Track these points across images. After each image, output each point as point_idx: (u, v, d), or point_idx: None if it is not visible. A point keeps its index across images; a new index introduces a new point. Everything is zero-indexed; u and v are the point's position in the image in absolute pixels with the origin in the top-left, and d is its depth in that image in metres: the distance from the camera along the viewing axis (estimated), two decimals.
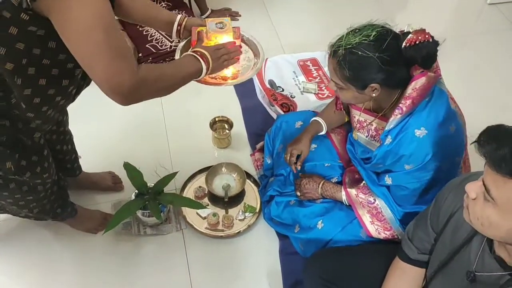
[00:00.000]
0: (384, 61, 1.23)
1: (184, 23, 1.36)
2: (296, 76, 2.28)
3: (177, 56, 1.35)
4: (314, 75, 2.28)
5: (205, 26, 1.35)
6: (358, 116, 1.50)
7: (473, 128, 2.02)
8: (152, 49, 2.28)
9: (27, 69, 1.04)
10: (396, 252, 1.25)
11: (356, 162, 1.57)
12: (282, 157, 1.77)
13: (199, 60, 1.22)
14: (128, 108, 2.29)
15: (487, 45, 2.57)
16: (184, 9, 2.47)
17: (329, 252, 1.48)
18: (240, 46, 1.37)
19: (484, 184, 0.86)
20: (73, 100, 1.27)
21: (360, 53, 1.23)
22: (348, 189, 1.55)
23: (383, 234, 1.47)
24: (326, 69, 2.29)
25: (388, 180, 1.41)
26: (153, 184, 1.74)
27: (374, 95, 1.30)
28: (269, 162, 1.88)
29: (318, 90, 2.20)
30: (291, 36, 2.57)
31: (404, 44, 1.23)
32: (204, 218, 1.80)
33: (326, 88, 2.21)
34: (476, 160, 1.02)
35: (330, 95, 2.18)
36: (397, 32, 1.28)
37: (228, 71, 1.37)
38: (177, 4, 2.47)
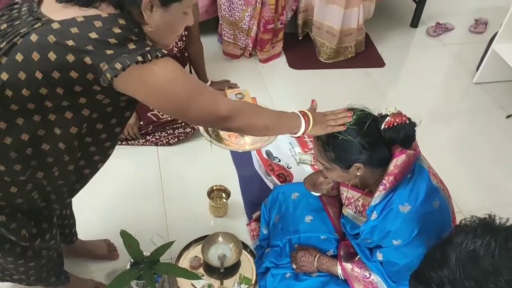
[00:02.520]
0: (365, 144, 1.32)
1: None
2: (292, 147, 2.34)
3: (201, 128, 1.50)
4: (310, 146, 2.35)
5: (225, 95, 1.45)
6: (346, 192, 1.56)
7: (462, 203, 2.10)
8: (153, 118, 2.34)
9: (83, 130, 1.12)
10: None
11: (349, 236, 1.59)
12: (278, 228, 1.78)
13: (300, 117, 1.28)
14: (125, 173, 2.33)
15: (473, 123, 2.68)
16: None
17: None
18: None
19: None
20: (103, 163, 1.32)
21: (341, 137, 1.32)
22: (344, 263, 1.56)
23: None
24: None
25: (379, 256, 1.44)
26: (149, 253, 1.73)
27: (358, 173, 1.37)
28: (265, 232, 1.89)
29: (313, 161, 2.26)
30: (287, 108, 2.67)
31: (383, 126, 1.32)
32: None
33: None
34: None
35: None
36: (376, 115, 1.38)
37: (247, 138, 1.45)
38: None
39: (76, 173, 1.22)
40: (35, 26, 0.97)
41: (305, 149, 2.33)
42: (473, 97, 2.87)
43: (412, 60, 3.19)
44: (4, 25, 1.02)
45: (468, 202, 2.14)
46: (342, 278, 1.57)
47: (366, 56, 3.10)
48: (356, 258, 1.54)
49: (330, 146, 1.34)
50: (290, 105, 2.70)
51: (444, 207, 1.41)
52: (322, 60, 3.03)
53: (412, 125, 1.34)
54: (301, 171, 2.19)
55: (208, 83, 2.68)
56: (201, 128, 1.56)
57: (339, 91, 2.87)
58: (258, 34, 2.87)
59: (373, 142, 1.33)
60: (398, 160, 1.33)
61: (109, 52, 0.94)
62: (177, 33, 1.13)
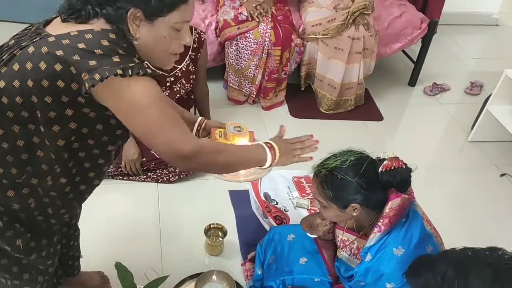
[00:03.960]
0: (362, 184, 1.36)
1: (204, 124, 1.50)
2: (290, 191, 2.39)
3: None
4: (307, 191, 2.39)
5: (223, 128, 1.48)
6: (341, 235, 1.59)
7: None
8: (156, 155, 2.40)
9: (73, 144, 1.14)
10: None
11: (343, 279, 1.60)
12: (272, 268, 1.79)
13: (265, 150, 1.30)
14: (124, 207, 2.34)
15: (468, 179, 2.73)
16: None
17: None
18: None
19: None
20: (100, 180, 1.33)
21: (339, 176, 1.36)
22: None
23: None
24: None
25: None
26: (142, 287, 1.73)
27: (355, 214, 1.41)
28: (259, 273, 1.89)
29: (310, 205, 2.29)
30: None
31: (380, 169, 1.37)
32: None
33: None
34: None
35: None
36: (374, 158, 1.43)
37: (243, 171, 1.46)
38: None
39: (72, 190, 1.24)
40: (34, 40, 1.06)
41: (303, 194, 2.37)
42: (468, 154, 2.94)
43: (410, 116, 3.30)
44: (12, 41, 1.12)
45: None
46: None
47: (365, 109, 3.21)
48: None
49: (328, 184, 1.39)
50: None
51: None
52: (323, 111, 3.13)
53: (408, 170, 1.40)
54: (297, 214, 2.22)
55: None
56: None
57: (337, 141, 2.88)
58: (262, 83, 2.99)
59: (370, 183, 1.38)
60: (394, 203, 1.38)
61: (92, 62, 0.99)
62: (170, 50, 1.16)
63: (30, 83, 1.04)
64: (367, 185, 1.37)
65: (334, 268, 1.70)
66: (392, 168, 1.37)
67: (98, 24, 1.07)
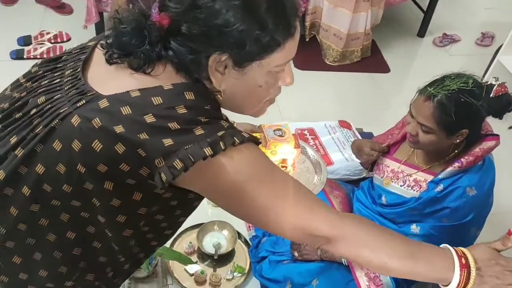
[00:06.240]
0: (488, 109, 1.30)
1: None
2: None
3: None
4: (311, 143, 2.35)
5: (257, 132, 1.25)
6: (396, 168, 1.54)
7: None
8: None
9: (142, 228, 0.89)
10: None
11: (375, 207, 1.57)
12: None
13: (453, 263, 0.81)
14: None
15: None
16: None
17: None
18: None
19: None
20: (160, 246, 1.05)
21: (463, 99, 1.26)
22: None
23: None
24: (322, 139, 2.37)
25: (415, 228, 1.42)
26: None
27: (457, 141, 1.35)
28: None
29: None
30: (290, 106, 2.68)
31: (492, 94, 1.29)
32: (192, 275, 1.77)
33: (322, 157, 2.28)
34: None
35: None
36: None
37: None
38: None
39: (133, 266, 1.01)
40: (78, 105, 0.75)
41: None
42: None
43: (418, 68, 3.20)
44: (42, 98, 0.80)
45: None
46: (345, 264, 1.54)
47: (371, 61, 3.12)
48: None
49: (452, 107, 1.26)
50: (295, 105, 2.73)
51: (489, 209, 1.43)
52: (328, 63, 3.04)
53: (511, 96, 1.33)
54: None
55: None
56: None
57: (343, 93, 2.89)
58: None
59: (489, 111, 1.30)
60: (487, 145, 1.35)
61: (167, 142, 0.71)
62: (267, 98, 0.87)
63: (81, 168, 0.75)
64: (487, 111, 1.29)
65: (349, 209, 1.68)
66: (501, 94, 1.30)
67: (166, 76, 0.76)
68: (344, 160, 2.26)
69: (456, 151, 1.40)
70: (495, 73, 2.82)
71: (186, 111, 0.72)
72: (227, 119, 0.81)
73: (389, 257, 0.81)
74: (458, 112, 1.27)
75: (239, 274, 1.79)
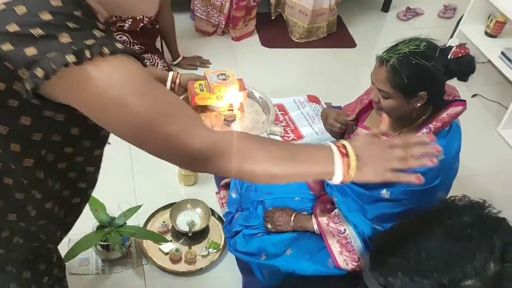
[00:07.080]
0: (437, 70, 1.28)
1: (178, 80, 1.22)
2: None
3: None
4: (280, 119, 2.36)
5: (202, 80, 1.24)
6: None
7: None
8: None
9: (47, 158, 0.84)
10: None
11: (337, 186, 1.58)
12: (252, 190, 1.78)
13: (333, 156, 0.82)
14: None
15: None
16: (156, 54, 2.55)
17: (294, 285, 1.47)
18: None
19: None
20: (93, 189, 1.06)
21: (414, 61, 1.27)
22: (319, 218, 1.57)
23: (351, 265, 1.48)
24: (292, 114, 2.38)
25: (385, 194, 1.43)
26: (116, 216, 1.71)
27: (418, 105, 1.34)
28: (234, 196, 1.88)
29: (284, 133, 2.27)
30: (258, 84, 2.67)
31: (450, 56, 1.29)
32: (167, 254, 1.76)
33: (292, 131, 2.29)
34: None
35: (296, 138, 2.26)
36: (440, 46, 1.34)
37: (236, 126, 1.27)
38: (150, 49, 2.54)
39: (63, 207, 0.95)
40: None
41: (276, 122, 2.34)
42: None
43: (383, 42, 3.16)
44: None
45: None
46: (318, 232, 1.56)
47: (338, 37, 3.14)
48: (332, 213, 1.54)
49: (401, 70, 1.28)
50: (263, 83, 2.73)
51: (455, 175, 1.44)
52: (295, 40, 3.04)
53: (473, 58, 1.33)
54: None
55: (180, 58, 2.66)
56: None
57: (311, 69, 2.89)
58: (231, 11, 2.86)
59: (442, 71, 1.30)
60: (454, 110, 1.35)
61: (29, 51, 0.67)
62: None
63: None
64: (441, 72, 1.29)
65: (315, 183, 1.69)
66: (460, 55, 1.30)
67: None
68: (314, 134, 2.29)
69: (424, 117, 1.42)
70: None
71: (51, 17, 0.68)
72: (104, 29, 0.75)
73: (270, 163, 0.81)
74: (410, 75, 1.28)
75: (214, 250, 1.79)
